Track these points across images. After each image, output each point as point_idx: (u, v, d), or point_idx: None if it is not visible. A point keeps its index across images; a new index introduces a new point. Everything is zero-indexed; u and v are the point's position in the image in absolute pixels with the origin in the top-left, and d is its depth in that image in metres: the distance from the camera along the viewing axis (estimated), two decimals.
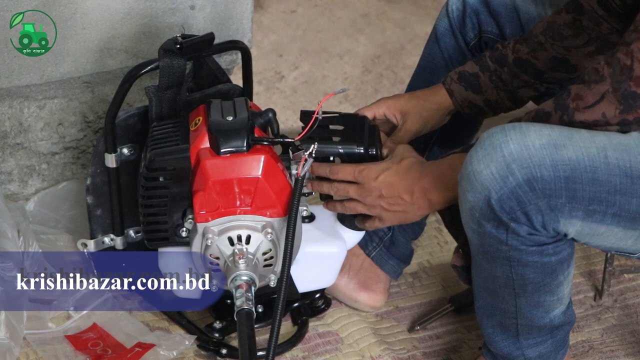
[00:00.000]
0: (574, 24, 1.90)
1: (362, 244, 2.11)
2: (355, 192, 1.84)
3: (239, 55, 2.12)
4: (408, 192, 1.80)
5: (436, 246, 2.32)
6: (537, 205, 1.59)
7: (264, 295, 1.97)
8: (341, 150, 1.88)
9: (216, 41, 1.99)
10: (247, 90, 2.09)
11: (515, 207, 1.60)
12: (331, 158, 1.89)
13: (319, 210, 2.00)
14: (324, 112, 1.90)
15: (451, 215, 1.81)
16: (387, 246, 2.14)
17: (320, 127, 1.87)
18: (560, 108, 1.63)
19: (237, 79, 2.13)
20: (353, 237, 2.01)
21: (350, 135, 1.90)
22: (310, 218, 2.01)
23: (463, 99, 1.97)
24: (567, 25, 1.91)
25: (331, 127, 1.92)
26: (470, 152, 1.63)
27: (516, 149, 1.58)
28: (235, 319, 1.78)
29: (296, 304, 2.10)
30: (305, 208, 1.98)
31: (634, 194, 1.60)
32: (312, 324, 2.10)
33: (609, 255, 2.17)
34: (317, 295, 2.12)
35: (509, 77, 1.94)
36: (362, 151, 1.88)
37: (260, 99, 2.75)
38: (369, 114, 1.96)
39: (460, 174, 1.64)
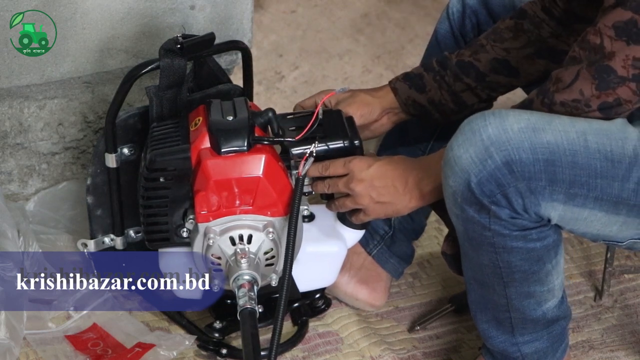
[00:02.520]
0: (515, 27, 1.93)
1: (363, 243, 2.11)
2: (345, 184, 1.85)
3: (239, 55, 2.12)
4: (402, 180, 1.81)
5: (436, 246, 2.32)
6: (516, 187, 1.61)
7: (264, 295, 1.97)
8: (328, 146, 1.89)
9: (216, 41, 1.99)
10: (247, 90, 2.10)
11: (495, 189, 1.61)
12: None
13: (319, 209, 2.01)
14: (297, 113, 1.93)
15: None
16: (388, 245, 2.14)
17: (300, 128, 1.88)
18: (541, 93, 1.66)
19: (237, 79, 2.13)
20: (353, 236, 2.02)
21: (333, 130, 1.90)
22: (310, 217, 2.01)
23: (407, 97, 1.99)
24: (509, 28, 1.94)
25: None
26: (451, 139, 1.65)
27: (494, 133, 1.60)
28: (239, 318, 1.78)
29: (296, 304, 2.10)
30: (305, 207, 1.98)
31: (615, 177, 1.62)
32: (312, 324, 2.10)
33: (609, 255, 2.17)
34: (317, 295, 2.12)
35: (452, 79, 1.96)
36: (347, 144, 1.89)
37: (260, 99, 2.75)
38: (310, 102, 1.99)
39: (442, 161, 1.67)
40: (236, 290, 1.81)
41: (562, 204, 1.63)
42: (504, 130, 1.60)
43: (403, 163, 1.83)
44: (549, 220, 1.66)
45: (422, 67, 2.00)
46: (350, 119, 1.94)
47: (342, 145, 1.89)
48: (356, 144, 1.90)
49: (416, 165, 1.82)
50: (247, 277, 1.81)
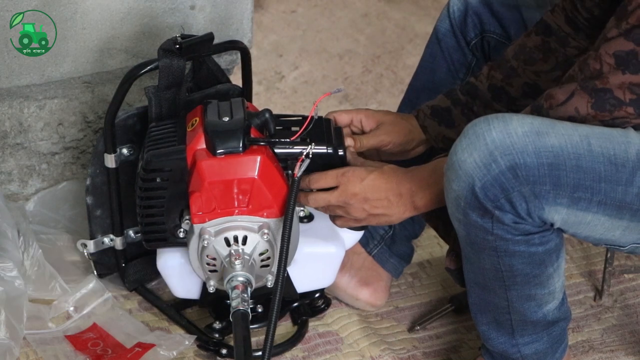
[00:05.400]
0: (543, 46, 1.92)
1: (363, 242, 2.11)
2: (337, 198, 1.81)
3: (239, 55, 2.12)
4: (396, 194, 1.80)
5: (436, 246, 2.32)
6: (520, 192, 1.60)
7: (264, 295, 1.97)
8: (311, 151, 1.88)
9: (216, 41, 1.99)
10: (246, 90, 2.09)
11: (499, 194, 1.61)
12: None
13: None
14: (286, 116, 1.91)
15: (444, 225, 1.81)
16: (388, 245, 2.14)
17: (286, 129, 1.87)
18: (535, 110, 1.66)
19: (237, 78, 2.13)
20: (351, 237, 2.01)
21: (318, 136, 1.88)
22: (309, 218, 2.01)
23: (437, 134, 1.98)
24: (537, 48, 1.93)
25: (293, 128, 1.90)
26: (455, 143, 1.64)
27: (499, 137, 1.60)
28: (231, 319, 1.78)
29: (296, 304, 2.10)
30: (302, 208, 1.98)
31: (619, 181, 1.62)
32: (312, 324, 2.10)
33: (609, 255, 2.17)
34: (317, 295, 2.12)
35: (481, 109, 1.95)
36: (331, 151, 1.87)
37: (260, 99, 2.75)
38: (347, 118, 1.97)
39: (445, 165, 1.66)
40: (230, 291, 1.81)
41: (566, 207, 1.62)
42: (508, 134, 1.60)
43: (396, 175, 1.81)
44: (552, 225, 1.65)
45: (448, 99, 1.98)
46: (338, 129, 1.92)
47: (325, 151, 1.87)
48: (339, 153, 1.88)
49: (408, 177, 1.80)
50: (240, 279, 1.81)
